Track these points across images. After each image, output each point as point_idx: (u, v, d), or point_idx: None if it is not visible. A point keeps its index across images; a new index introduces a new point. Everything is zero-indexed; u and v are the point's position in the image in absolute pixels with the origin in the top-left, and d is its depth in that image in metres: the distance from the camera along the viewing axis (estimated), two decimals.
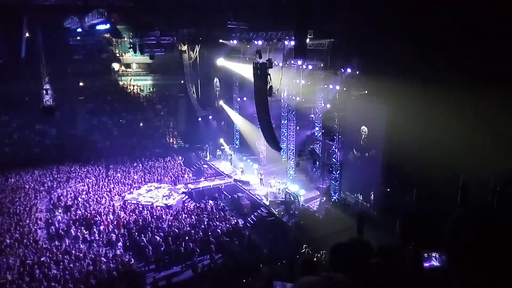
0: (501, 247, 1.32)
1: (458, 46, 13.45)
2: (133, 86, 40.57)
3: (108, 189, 26.87)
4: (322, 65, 22.38)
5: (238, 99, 32.60)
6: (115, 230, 21.03)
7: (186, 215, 22.72)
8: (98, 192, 26.40)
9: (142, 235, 20.20)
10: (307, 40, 19.62)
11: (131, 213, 23.04)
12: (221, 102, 35.33)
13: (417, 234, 2.69)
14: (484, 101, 12.81)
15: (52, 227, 21.76)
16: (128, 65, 41.12)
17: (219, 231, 20.73)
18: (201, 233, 20.43)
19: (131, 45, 34.66)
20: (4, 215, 22.88)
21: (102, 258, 18.13)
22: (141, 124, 38.35)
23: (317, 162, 24.89)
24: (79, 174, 30.20)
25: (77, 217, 22.61)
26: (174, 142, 37.91)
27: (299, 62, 23.08)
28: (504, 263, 1.32)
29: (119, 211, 23.14)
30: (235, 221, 22.56)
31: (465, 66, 13.07)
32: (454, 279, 1.42)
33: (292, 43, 20.90)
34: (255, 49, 23.00)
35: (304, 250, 17.92)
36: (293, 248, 19.12)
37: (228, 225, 21.68)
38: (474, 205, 1.50)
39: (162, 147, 36.53)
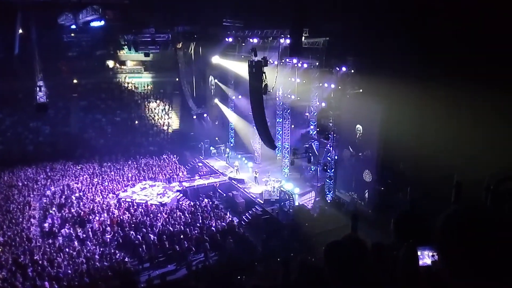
0: (493, 245, 1.32)
1: (453, 45, 13.52)
2: (128, 83, 40.39)
3: (102, 187, 26.77)
4: (317, 63, 22.40)
5: (234, 97, 32.56)
6: (109, 228, 20.96)
7: (181, 213, 22.69)
8: (92, 190, 26.28)
9: (136, 233, 20.16)
10: (303, 39, 19.63)
11: (125, 211, 22.96)
12: (216, 100, 35.26)
13: (411, 232, 2.70)
14: (479, 101, 12.87)
15: (46, 225, 21.66)
16: (122, 63, 40.90)
17: (213, 229, 20.74)
18: (195, 231, 20.42)
19: (126, 42, 34.56)
20: None
21: (96, 256, 18.08)
22: (136, 122, 38.22)
23: (312, 158, 24.94)
24: (73, 172, 30.06)
25: (71, 215, 22.50)
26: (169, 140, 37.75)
27: (294, 61, 23.08)
28: (494, 261, 1.31)
29: (113, 209, 23.05)
30: (230, 219, 22.56)
31: (460, 65, 13.14)
32: (446, 276, 1.42)
33: (288, 41, 20.90)
34: (250, 47, 22.99)
35: (298, 249, 17.95)
36: (287, 246, 19.16)
37: (222, 223, 21.68)
38: (466, 203, 1.50)
39: (157, 145, 36.44)
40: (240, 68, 27.02)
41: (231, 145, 33.88)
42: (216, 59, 30.20)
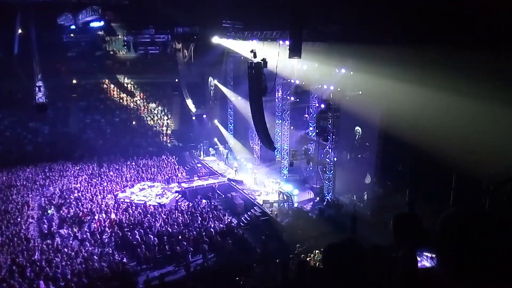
0: (492, 246, 1.32)
1: (452, 48, 13.52)
2: (127, 84, 40.37)
3: (101, 188, 26.74)
4: (316, 65, 22.39)
5: (233, 98, 32.52)
6: (107, 228, 20.92)
7: (180, 214, 22.66)
8: (91, 190, 26.25)
9: (135, 234, 20.12)
10: (302, 40, 19.60)
11: (123, 212, 22.93)
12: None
13: (409, 233, 2.70)
14: (478, 103, 12.87)
15: (44, 225, 21.62)
16: (122, 63, 40.86)
17: (212, 230, 20.70)
18: (194, 232, 20.39)
19: (125, 43, 34.61)
20: None
21: (94, 257, 18.04)
22: (133, 123, 38.20)
23: (311, 159, 24.95)
24: (72, 172, 30.02)
25: (69, 215, 22.46)
26: (168, 141, 37.78)
27: (294, 62, 23.05)
28: (494, 262, 1.31)
29: (111, 210, 23.01)
30: (229, 220, 22.54)
31: (459, 68, 13.14)
32: (445, 278, 1.41)
33: (287, 42, 20.88)
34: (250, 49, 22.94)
35: (297, 250, 17.92)
36: (286, 247, 19.14)
37: (221, 225, 21.66)
38: (465, 205, 1.49)
39: (156, 145, 36.43)
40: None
41: (230, 145, 33.83)
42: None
